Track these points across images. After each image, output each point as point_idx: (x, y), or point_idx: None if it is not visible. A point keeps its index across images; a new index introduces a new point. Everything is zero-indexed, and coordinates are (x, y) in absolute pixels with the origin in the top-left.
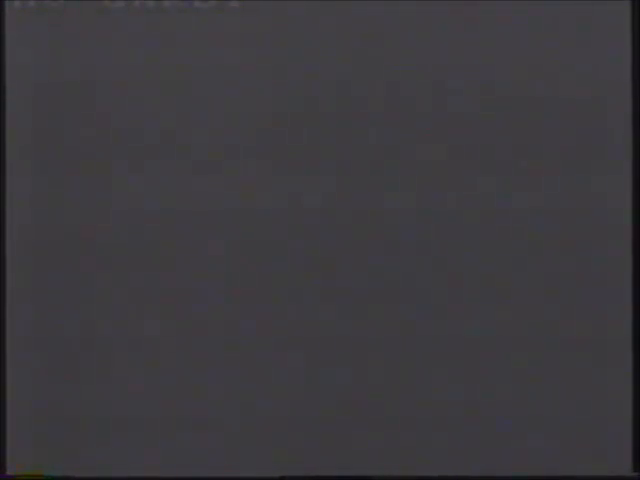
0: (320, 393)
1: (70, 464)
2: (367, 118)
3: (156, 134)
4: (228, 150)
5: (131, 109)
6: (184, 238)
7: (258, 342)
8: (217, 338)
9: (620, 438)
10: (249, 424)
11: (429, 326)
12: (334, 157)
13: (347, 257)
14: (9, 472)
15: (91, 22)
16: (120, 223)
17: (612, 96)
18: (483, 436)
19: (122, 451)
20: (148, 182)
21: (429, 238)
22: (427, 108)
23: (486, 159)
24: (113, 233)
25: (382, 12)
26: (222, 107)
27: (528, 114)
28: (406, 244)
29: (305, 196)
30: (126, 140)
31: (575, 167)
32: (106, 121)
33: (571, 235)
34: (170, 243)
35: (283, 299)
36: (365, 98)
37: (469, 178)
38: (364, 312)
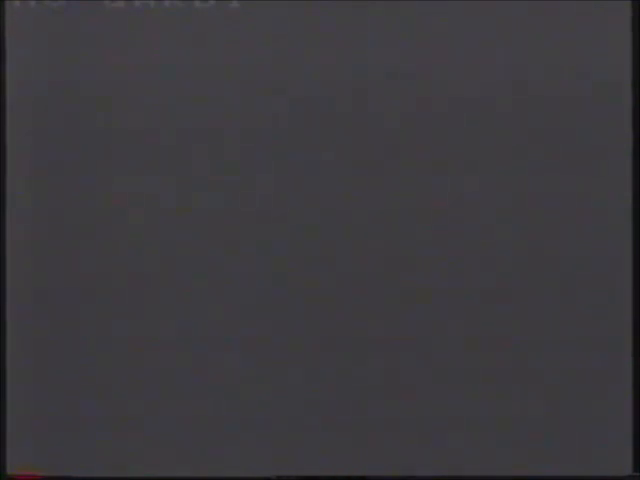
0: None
1: (70, 464)
2: (367, 118)
3: (156, 133)
4: (228, 149)
5: (131, 109)
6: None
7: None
8: (217, 338)
9: (620, 438)
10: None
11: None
12: (334, 156)
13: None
14: (9, 472)
15: (91, 22)
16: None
17: (612, 95)
18: (483, 436)
19: (121, 451)
20: (148, 181)
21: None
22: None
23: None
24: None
25: (382, 13)
26: (222, 107)
27: (527, 114)
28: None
29: (304, 195)
30: (126, 139)
31: (576, 166)
32: (106, 120)
33: (571, 234)
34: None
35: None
36: (365, 98)
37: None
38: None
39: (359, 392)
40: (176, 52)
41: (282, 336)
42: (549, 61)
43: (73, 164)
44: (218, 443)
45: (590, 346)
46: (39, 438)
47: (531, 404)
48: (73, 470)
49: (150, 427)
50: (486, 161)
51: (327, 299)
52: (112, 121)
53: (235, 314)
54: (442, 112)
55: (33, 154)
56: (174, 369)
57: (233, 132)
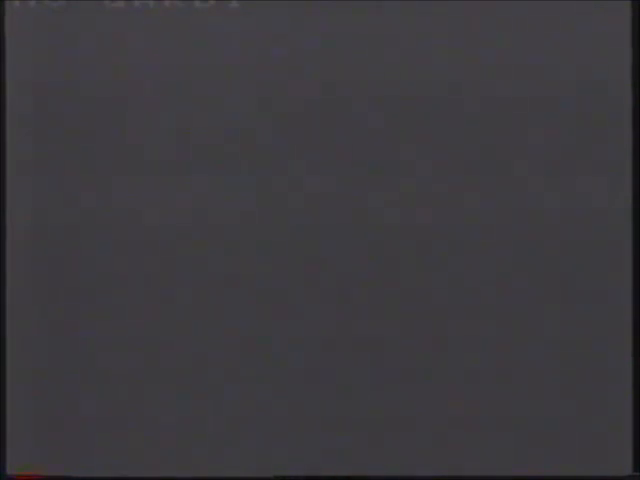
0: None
1: (70, 464)
2: (367, 118)
3: (156, 133)
4: (227, 149)
5: (131, 109)
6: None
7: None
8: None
9: (620, 438)
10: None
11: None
12: (333, 156)
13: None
14: (9, 472)
15: (91, 22)
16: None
17: (612, 94)
18: (483, 436)
19: (121, 451)
20: (148, 182)
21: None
22: (427, 108)
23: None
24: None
25: (383, 13)
26: (222, 107)
27: (527, 113)
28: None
29: (299, 194)
30: (126, 139)
31: (575, 166)
32: (106, 120)
33: (571, 234)
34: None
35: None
36: (365, 98)
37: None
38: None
39: (359, 392)
40: (176, 52)
41: (282, 336)
42: (549, 61)
43: (73, 164)
44: (218, 443)
45: (590, 346)
46: (39, 438)
47: (531, 404)
48: (73, 470)
49: (150, 427)
50: (485, 161)
51: (327, 299)
52: (112, 121)
53: (235, 314)
54: (441, 112)
55: (33, 154)
56: (174, 369)
57: (233, 132)
